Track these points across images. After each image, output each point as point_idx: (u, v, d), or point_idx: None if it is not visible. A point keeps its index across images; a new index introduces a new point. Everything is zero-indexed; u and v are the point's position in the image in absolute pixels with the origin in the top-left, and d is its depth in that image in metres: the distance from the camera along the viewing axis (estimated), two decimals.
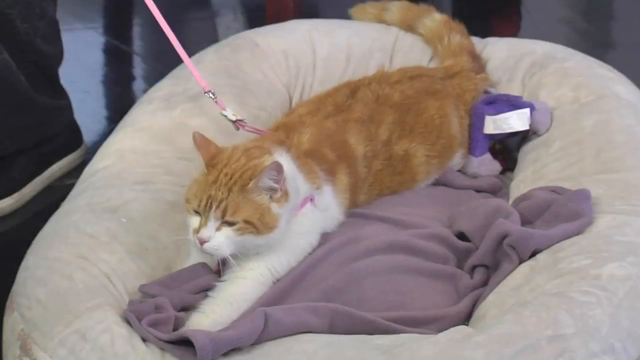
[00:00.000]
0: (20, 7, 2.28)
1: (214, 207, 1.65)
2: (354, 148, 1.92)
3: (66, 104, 2.50)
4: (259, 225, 1.66)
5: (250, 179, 1.66)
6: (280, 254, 1.74)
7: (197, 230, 1.67)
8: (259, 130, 1.95)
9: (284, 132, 1.90)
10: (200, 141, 1.73)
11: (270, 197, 1.68)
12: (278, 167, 1.66)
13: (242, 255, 1.69)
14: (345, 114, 1.97)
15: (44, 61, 2.40)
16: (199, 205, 1.67)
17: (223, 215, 1.66)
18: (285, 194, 1.70)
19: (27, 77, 2.34)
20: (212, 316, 1.65)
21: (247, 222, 1.66)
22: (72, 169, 2.51)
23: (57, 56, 2.46)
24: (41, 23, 2.35)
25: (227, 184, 1.67)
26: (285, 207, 1.70)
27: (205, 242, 1.66)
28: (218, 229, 1.66)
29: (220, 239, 1.66)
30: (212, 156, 1.71)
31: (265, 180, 1.66)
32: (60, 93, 2.49)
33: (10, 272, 1.75)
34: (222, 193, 1.66)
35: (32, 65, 2.36)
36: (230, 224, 1.66)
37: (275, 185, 1.68)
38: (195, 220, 1.68)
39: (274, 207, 1.68)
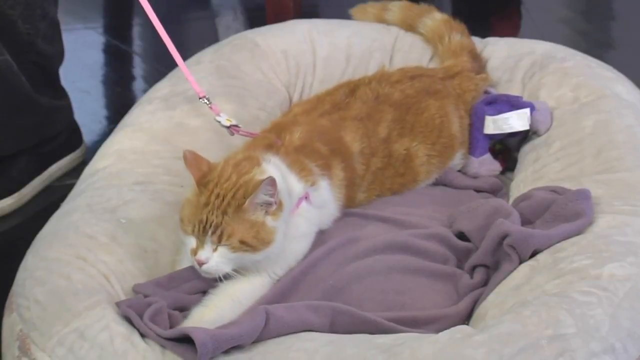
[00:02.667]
0: (22, 7, 2.28)
1: (209, 232, 1.64)
2: (350, 144, 1.91)
3: (66, 104, 2.50)
4: (254, 243, 1.65)
5: (244, 197, 1.64)
6: (280, 260, 1.73)
7: (194, 252, 1.66)
8: (253, 134, 1.94)
9: (277, 132, 1.89)
10: (191, 159, 1.69)
11: (266, 211, 1.67)
12: (272, 182, 1.64)
13: (242, 269, 1.69)
14: (342, 112, 1.97)
15: (45, 62, 2.40)
16: (193, 230, 1.65)
17: (219, 240, 1.64)
18: (280, 205, 1.69)
19: (28, 77, 2.34)
20: (215, 310, 1.65)
21: (242, 242, 1.65)
22: (72, 169, 2.51)
23: (58, 57, 2.46)
24: (43, 24, 2.35)
25: (220, 206, 1.64)
26: (281, 219, 1.69)
27: (203, 263, 1.65)
28: (215, 250, 1.65)
29: (218, 259, 1.65)
30: (203, 175, 1.69)
31: (261, 196, 1.65)
32: (60, 93, 2.49)
33: (10, 272, 1.75)
34: (217, 217, 1.64)
35: (33, 65, 2.37)
36: (227, 244, 1.65)
37: (271, 199, 1.66)
38: (191, 241, 1.67)
39: (269, 221, 1.67)
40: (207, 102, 2.00)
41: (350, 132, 1.93)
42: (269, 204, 1.66)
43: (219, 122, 1.96)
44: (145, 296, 1.66)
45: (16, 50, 2.30)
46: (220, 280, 1.68)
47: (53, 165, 2.48)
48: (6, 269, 1.84)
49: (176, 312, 1.65)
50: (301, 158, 1.81)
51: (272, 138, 1.86)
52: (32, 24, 2.32)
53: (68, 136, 2.52)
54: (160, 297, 1.66)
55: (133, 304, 1.61)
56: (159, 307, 1.61)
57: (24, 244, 1.79)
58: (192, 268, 1.72)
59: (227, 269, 1.66)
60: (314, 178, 1.80)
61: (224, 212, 1.64)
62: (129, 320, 1.58)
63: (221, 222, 1.64)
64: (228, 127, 1.96)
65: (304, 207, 1.77)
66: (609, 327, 1.51)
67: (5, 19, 2.27)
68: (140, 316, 1.58)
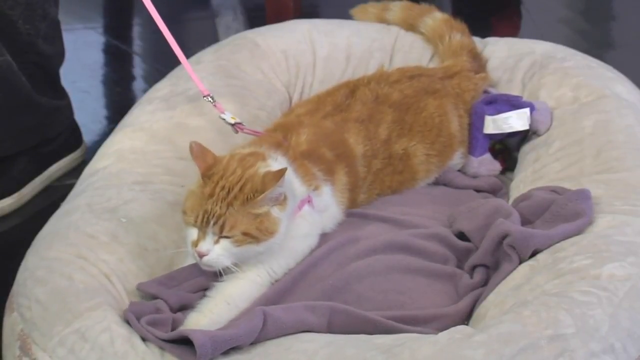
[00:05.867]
0: (22, 8, 2.28)
1: (211, 222, 1.64)
2: (353, 147, 1.92)
3: (66, 105, 2.50)
4: (257, 234, 1.65)
5: (253, 191, 1.65)
6: (279, 257, 1.73)
7: (195, 243, 1.66)
8: (257, 132, 1.94)
9: (282, 132, 1.89)
10: (197, 151, 1.70)
11: (274, 203, 1.67)
12: (282, 182, 1.65)
13: (242, 263, 1.69)
14: (344, 113, 1.97)
15: (46, 62, 2.40)
16: (195, 221, 1.66)
17: (221, 231, 1.65)
18: (285, 198, 1.69)
19: (28, 78, 2.34)
20: (209, 316, 1.64)
21: (245, 234, 1.65)
22: (72, 169, 2.51)
23: (59, 57, 2.46)
24: (43, 24, 2.34)
25: (226, 198, 1.65)
26: (285, 211, 1.69)
27: (204, 255, 1.66)
28: (216, 242, 1.66)
29: (219, 252, 1.66)
30: (208, 167, 1.69)
31: (278, 189, 1.66)
32: (61, 93, 2.49)
33: (10, 272, 1.75)
34: (220, 208, 1.64)
35: (34, 66, 2.36)
36: (229, 236, 1.66)
37: (280, 196, 1.67)
38: (193, 232, 1.67)
39: (275, 212, 1.67)
40: (212, 101, 1.99)
41: (353, 135, 1.93)
42: (279, 195, 1.67)
43: (224, 119, 1.95)
44: (150, 294, 1.67)
45: (16, 50, 2.30)
46: (221, 274, 1.68)
47: (53, 165, 2.48)
48: (6, 269, 1.84)
49: (179, 314, 1.65)
50: (306, 162, 1.81)
51: (280, 137, 1.86)
52: (33, 24, 2.32)
53: (68, 136, 2.52)
54: (165, 295, 1.66)
55: (134, 311, 1.60)
56: (159, 307, 1.61)
57: (24, 244, 1.79)
58: (192, 266, 1.72)
59: (227, 262, 1.67)
60: (317, 183, 1.81)
61: (230, 204, 1.65)
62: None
63: (224, 213, 1.64)
64: (233, 125, 1.95)
65: (306, 210, 1.77)
66: (609, 327, 1.51)
67: (6, 19, 2.27)
68: (139, 319, 1.58)
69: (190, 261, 1.75)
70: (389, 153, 1.97)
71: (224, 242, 1.65)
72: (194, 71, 2.09)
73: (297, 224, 1.75)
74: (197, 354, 1.50)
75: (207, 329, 1.60)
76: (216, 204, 1.65)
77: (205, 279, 1.72)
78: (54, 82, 2.47)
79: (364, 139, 1.94)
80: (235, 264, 1.68)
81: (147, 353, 1.53)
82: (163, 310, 1.63)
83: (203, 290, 1.70)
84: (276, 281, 1.73)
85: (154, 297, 1.68)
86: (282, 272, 1.74)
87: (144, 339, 1.56)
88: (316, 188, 1.80)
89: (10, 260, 1.84)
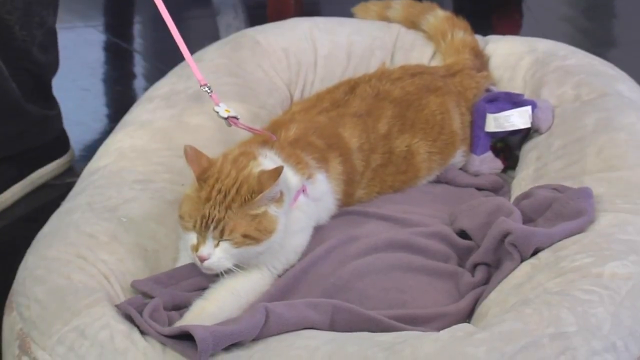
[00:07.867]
0: (20, 13, 2.25)
1: (210, 227, 1.64)
2: (348, 140, 1.91)
3: (56, 115, 2.46)
4: (257, 235, 1.65)
5: (250, 192, 1.64)
6: (280, 254, 1.73)
7: (195, 248, 1.66)
8: (251, 128, 1.93)
9: (273, 129, 1.89)
10: (192, 155, 1.69)
11: (271, 202, 1.67)
12: (279, 181, 1.65)
13: (244, 264, 1.69)
14: (341, 109, 1.97)
15: (39, 70, 2.37)
16: (194, 226, 1.65)
17: (221, 235, 1.64)
18: (281, 195, 1.69)
19: (19, 84, 2.30)
20: (215, 303, 1.65)
21: (245, 236, 1.65)
22: (56, 176, 2.47)
23: (52, 66, 2.42)
24: (39, 32, 2.32)
25: (223, 202, 1.65)
26: (283, 208, 1.69)
27: (205, 259, 1.65)
28: (216, 245, 1.65)
29: (220, 255, 1.65)
30: (203, 170, 1.69)
31: (276, 189, 1.65)
32: (51, 103, 2.44)
33: (11, 272, 1.74)
34: (219, 212, 1.64)
35: (26, 73, 2.33)
36: (229, 239, 1.65)
37: (277, 195, 1.67)
38: (192, 237, 1.67)
39: (272, 210, 1.67)
40: (208, 91, 1.97)
41: (349, 129, 1.93)
42: (276, 194, 1.67)
43: (217, 112, 1.92)
44: (144, 295, 1.66)
45: (10, 56, 2.27)
46: (222, 275, 1.68)
47: (35, 172, 2.43)
48: (7, 269, 1.83)
49: (172, 312, 1.65)
50: (297, 151, 1.81)
51: (267, 135, 1.86)
52: (29, 31, 2.29)
53: (54, 143, 2.47)
54: (158, 294, 1.66)
55: (132, 303, 1.61)
56: (156, 304, 1.61)
57: (24, 244, 1.78)
58: (191, 265, 1.72)
59: (228, 264, 1.66)
60: (311, 171, 1.80)
61: (228, 207, 1.64)
62: (129, 318, 1.58)
63: (223, 217, 1.64)
64: (226, 119, 1.93)
65: (302, 200, 1.77)
66: (611, 325, 1.51)
67: (2, 23, 2.25)
68: (140, 313, 1.58)
69: (190, 260, 1.75)
70: (389, 148, 1.96)
71: (224, 245, 1.65)
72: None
73: (294, 217, 1.74)
74: (199, 349, 1.49)
75: (213, 316, 1.60)
76: (214, 208, 1.65)
77: (203, 278, 1.71)
78: (45, 91, 2.42)
79: (360, 132, 1.93)
80: (237, 265, 1.68)
81: (148, 348, 1.53)
82: (157, 309, 1.63)
83: (200, 290, 1.70)
84: (279, 276, 1.73)
85: (148, 295, 1.68)
86: (284, 268, 1.74)
87: (143, 334, 1.55)
88: (310, 176, 1.80)
89: (10, 260, 1.84)
